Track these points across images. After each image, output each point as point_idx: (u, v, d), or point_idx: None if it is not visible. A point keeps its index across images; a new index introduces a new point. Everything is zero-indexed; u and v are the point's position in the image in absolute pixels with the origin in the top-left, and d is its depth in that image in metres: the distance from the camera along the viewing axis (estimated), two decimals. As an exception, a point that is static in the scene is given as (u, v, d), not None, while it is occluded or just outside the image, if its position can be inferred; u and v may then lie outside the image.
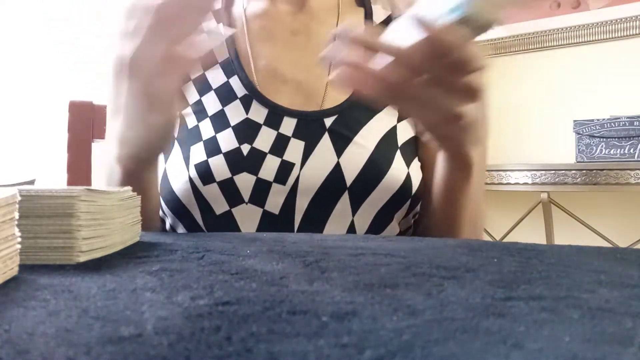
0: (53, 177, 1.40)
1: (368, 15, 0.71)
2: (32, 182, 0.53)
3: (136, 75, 0.48)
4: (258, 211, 0.60)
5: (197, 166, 0.60)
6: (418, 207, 0.66)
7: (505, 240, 1.99)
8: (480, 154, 0.56)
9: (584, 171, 1.64)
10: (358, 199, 0.60)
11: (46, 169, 1.44)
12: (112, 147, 0.56)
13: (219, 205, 0.60)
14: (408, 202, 0.62)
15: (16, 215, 0.29)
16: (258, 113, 0.62)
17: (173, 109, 0.51)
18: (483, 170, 0.60)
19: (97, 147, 0.95)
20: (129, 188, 0.42)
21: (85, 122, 0.94)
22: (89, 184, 0.90)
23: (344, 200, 0.60)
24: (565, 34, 2.11)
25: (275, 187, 0.60)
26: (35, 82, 1.52)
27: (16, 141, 1.49)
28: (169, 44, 0.47)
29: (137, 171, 0.56)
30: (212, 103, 0.64)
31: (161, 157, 0.67)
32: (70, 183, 0.92)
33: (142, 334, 0.19)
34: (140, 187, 0.54)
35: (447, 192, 0.60)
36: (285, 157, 0.60)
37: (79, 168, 0.92)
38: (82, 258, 0.33)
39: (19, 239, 0.30)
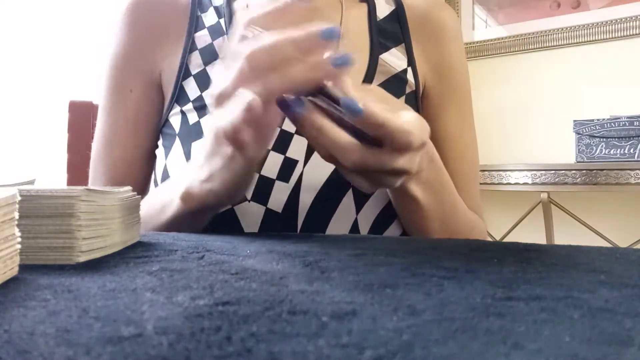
0: (53, 177, 1.40)
1: (371, 11, 0.71)
2: (32, 182, 0.53)
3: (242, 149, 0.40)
4: (261, 209, 0.59)
5: None
6: None
7: (505, 240, 1.99)
8: (431, 186, 0.54)
9: (584, 171, 1.64)
10: (362, 196, 0.60)
11: (46, 169, 1.44)
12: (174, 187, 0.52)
13: None
14: None
15: (16, 215, 0.29)
16: None
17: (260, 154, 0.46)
18: (444, 191, 0.56)
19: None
20: (129, 188, 0.42)
21: (85, 122, 0.94)
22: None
23: (348, 198, 0.60)
24: (565, 34, 2.11)
25: (279, 184, 0.59)
26: (35, 82, 1.52)
27: (16, 141, 1.49)
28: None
29: (208, 212, 0.53)
30: None
31: (161, 152, 0.66)
32: (70, 183, 0.92)
33: (142, 334, 0.19)
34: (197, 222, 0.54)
35: (399, 212, 0.60)
36: (288, 154, 0.60)
37: (79, 168, 0.92)
38: (82, 258, 0.33)
39: (19, 239, 0.30)
